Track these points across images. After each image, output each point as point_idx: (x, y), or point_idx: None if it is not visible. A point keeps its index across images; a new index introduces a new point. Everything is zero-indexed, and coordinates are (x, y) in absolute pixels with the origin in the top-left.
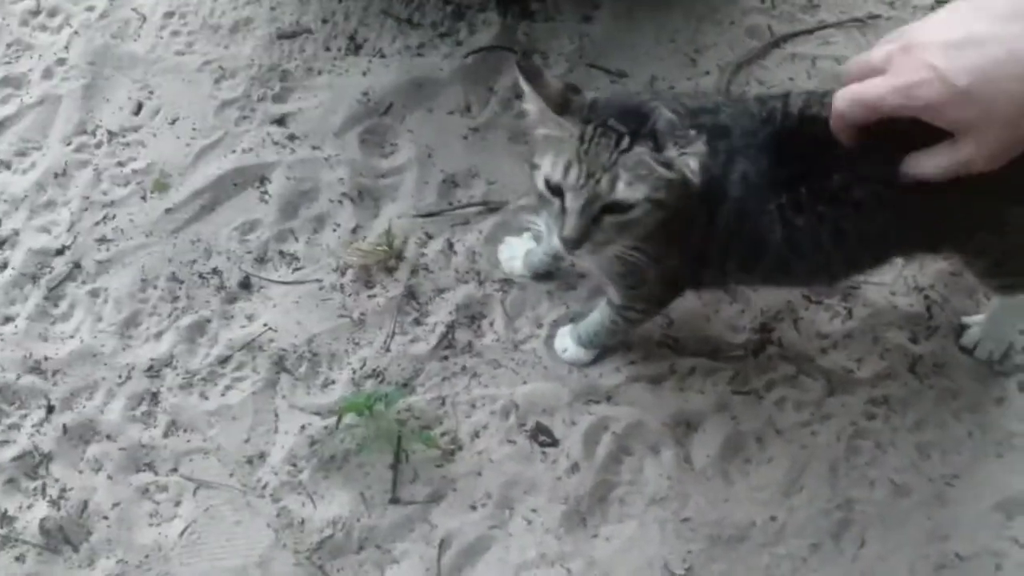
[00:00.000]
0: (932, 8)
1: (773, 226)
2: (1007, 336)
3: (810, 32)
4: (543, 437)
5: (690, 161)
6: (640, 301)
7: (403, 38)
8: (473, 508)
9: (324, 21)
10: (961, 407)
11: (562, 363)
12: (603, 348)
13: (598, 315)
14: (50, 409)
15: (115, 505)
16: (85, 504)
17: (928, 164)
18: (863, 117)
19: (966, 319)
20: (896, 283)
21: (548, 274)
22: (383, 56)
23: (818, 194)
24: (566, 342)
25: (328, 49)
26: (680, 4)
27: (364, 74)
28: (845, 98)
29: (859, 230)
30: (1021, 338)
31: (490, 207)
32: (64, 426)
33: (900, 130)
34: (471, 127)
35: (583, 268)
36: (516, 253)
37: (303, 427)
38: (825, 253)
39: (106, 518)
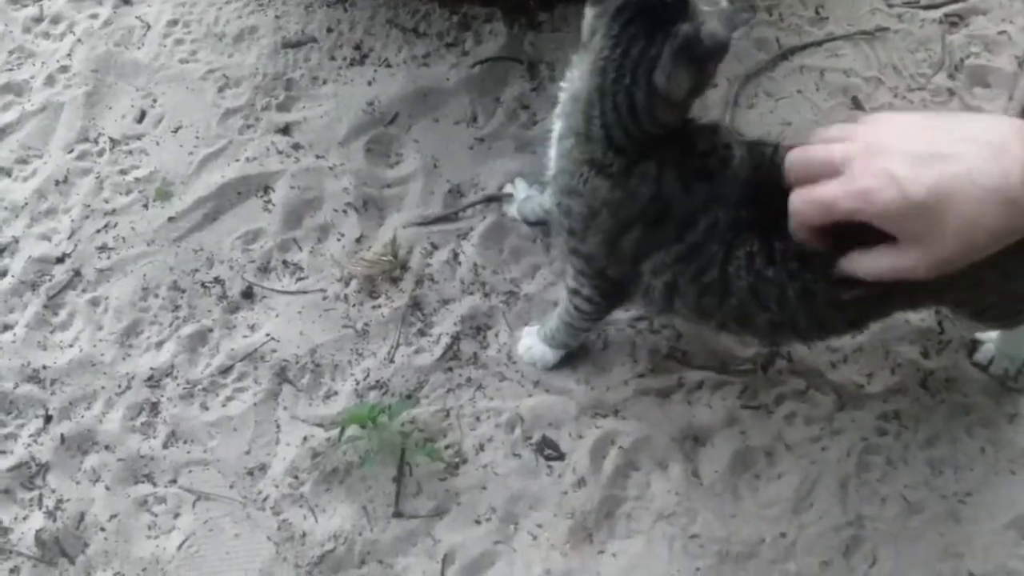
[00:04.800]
0: (940, 22)
1: (740, 272)
2: (1021, 353)
3: (818, 44)
4: (549, 451)
5: None
6: (584, 281)
7: (409, 48)
8: (477, 523)
9: (329, 30)
10: (974, 423)
11: (553, 373)
12: (565, 349)
13: (559, 307)
14: (48, 419)
15: (112, 517)
16: (82, 516)
17: (869, 265)
18: (818, 219)
19: (979, 335)
20: None
21: (539, 222)
22: (389, 66)
23: (791, 250)
24: (531, 340)
25: (333, 58)
26: None
27: (370, 83)
28: (801, 198)
29: (828, 295)
30: None
31: (492, 199)
32: (62, 436)
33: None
34: (477, 137)
35: None
36: (518, 195)
37: (305, 439)
38: (791, 311)
39: (103, 530)
